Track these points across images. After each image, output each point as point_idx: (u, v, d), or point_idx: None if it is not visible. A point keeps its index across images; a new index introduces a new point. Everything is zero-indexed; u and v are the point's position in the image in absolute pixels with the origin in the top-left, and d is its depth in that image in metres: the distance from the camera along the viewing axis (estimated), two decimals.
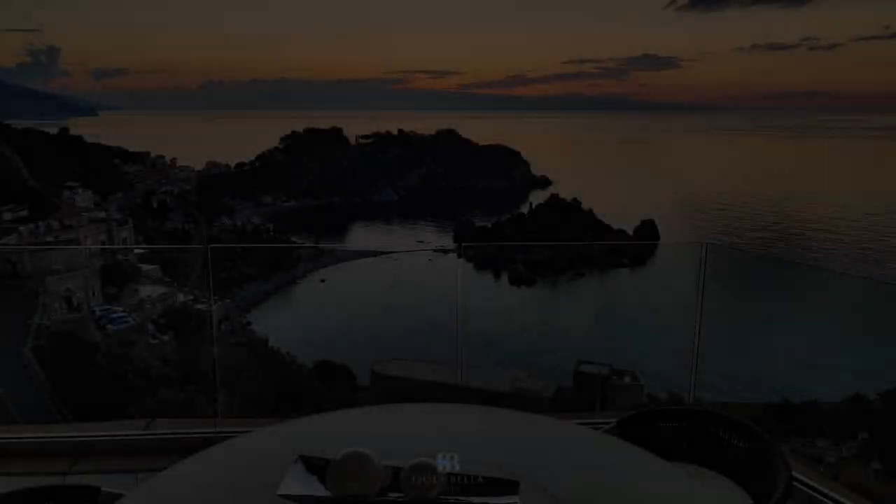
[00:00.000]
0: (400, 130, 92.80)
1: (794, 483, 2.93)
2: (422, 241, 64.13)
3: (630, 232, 60.21)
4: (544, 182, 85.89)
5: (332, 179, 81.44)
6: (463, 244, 4.28)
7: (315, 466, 1.60)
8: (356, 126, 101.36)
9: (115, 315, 18.95)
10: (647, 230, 60.28)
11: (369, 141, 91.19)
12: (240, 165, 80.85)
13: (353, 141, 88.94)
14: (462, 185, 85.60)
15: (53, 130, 71.63)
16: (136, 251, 28.32)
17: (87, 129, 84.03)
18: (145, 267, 24.12)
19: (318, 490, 1.54)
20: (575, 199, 63.60)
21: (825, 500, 2.91)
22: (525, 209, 67.24)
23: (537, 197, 70.68)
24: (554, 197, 65.14)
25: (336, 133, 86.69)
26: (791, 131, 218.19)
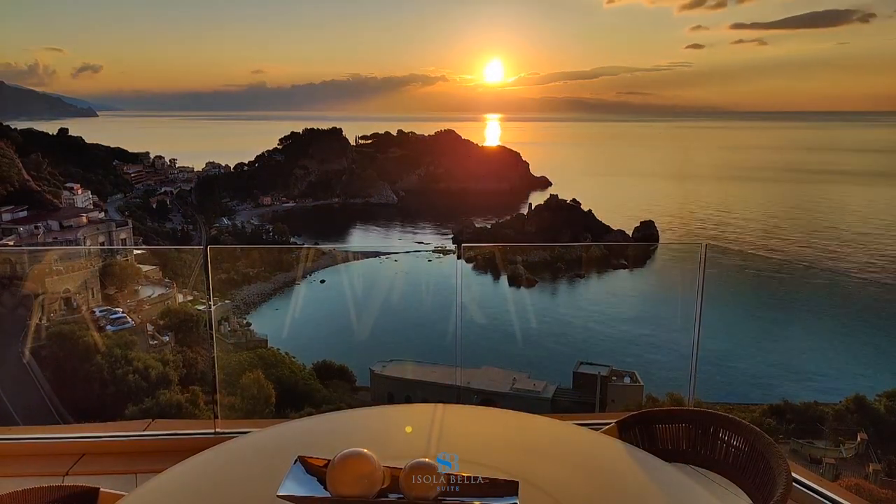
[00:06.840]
0: (399, 131, 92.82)
1: (794, 483, 2.93)
2: (421, 243, 64.14)
3: (629, 233, 60.29)
4: (544, 183, 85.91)
5: (332, 180, 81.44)
6: (462, 245, 4.23)
7: (315, 466, 1.60)
8: (355, 127, 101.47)
9: (114, 316, 18.89)
10: (647, 231, 60.41)
11: (369, 142, 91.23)
12: (239, 166, 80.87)
13: (352, 142, 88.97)
14: (461, 187, 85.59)
15: (53, 131, 71.58)
16: (136, 252, 28.28)
17: (86, 130, 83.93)
18: (145, 267, 24.07)
19: (318, 490, 1.54)
20: (574, 200, 63.64)
21: (825, 500, 2.91)
22: (524, 210, 67.25)
23: (537, 198, 70.68)
24: (553, 198, 65.16)
25: (336, 134, 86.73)
26: (796, 131, 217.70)
